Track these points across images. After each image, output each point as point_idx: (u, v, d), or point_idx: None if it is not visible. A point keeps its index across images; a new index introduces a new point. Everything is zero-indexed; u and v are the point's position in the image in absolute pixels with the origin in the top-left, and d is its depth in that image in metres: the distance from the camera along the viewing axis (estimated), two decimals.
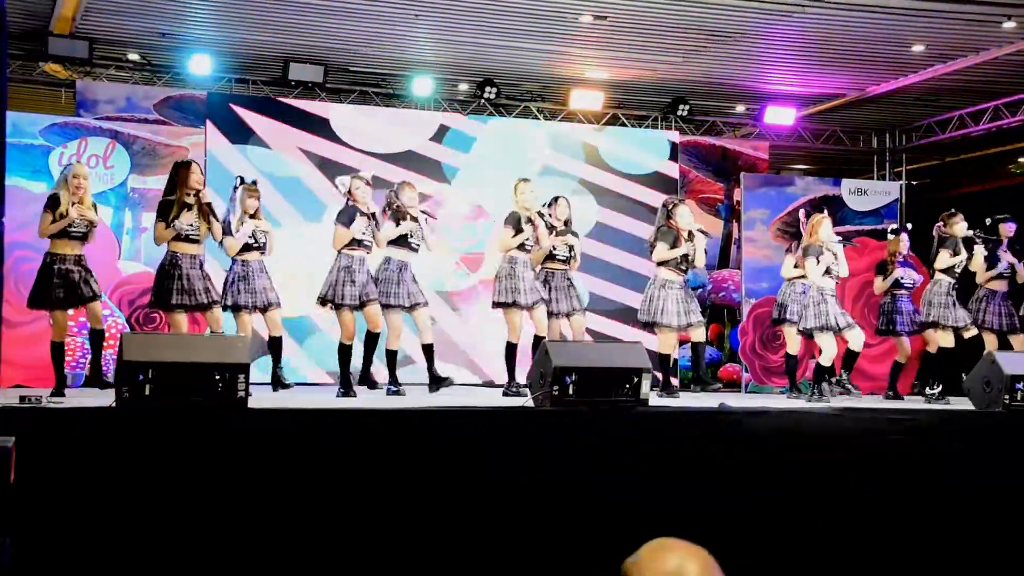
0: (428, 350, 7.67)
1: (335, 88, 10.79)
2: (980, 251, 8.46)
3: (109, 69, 10.19)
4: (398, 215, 7.53)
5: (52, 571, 4.49)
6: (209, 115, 9.89)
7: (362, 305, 7.30)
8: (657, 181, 11.02)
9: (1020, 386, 6.44)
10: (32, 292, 6.80)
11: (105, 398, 5.44)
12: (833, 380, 8.12)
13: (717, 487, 5.57)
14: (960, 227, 8.49)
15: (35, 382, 8.05)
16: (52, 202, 6.80)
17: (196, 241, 7.17)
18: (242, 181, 7.64)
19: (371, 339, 7.47)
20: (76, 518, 4.58)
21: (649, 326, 8.05)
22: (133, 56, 10.18)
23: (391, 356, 7.59)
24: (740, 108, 12.01)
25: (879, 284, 9.05)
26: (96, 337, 7.04)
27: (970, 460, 6.04)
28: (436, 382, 7.60)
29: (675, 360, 8.32)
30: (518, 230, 7.80)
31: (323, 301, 7.34)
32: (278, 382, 7.55)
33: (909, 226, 9.36)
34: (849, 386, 8.07)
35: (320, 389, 8.83)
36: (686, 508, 5.46)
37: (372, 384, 7.47)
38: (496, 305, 7.85)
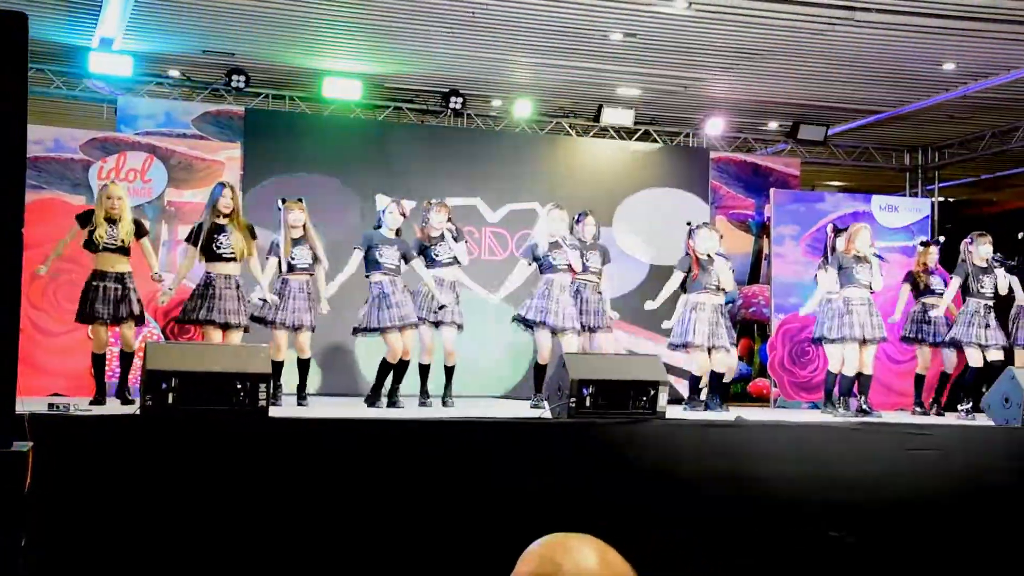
0: (448, 371, 7.88)
1: (370, 104, 10.97)
2: (1001, 274, 8.46)
3: (150, 85, 10.45)
4: (421, 241, 7.79)
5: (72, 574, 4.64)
6: (246, 130, 10.10)
7: (403, 328, 7.46)
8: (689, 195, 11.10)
9: None
10: (78, 308, 7.06)
11: (132, 407, 5.62)
12: (854, 403, 8.15)
13: (727, 496, 5.63)
14: (984, 249, 8.52)
15: (72, 391, 8.27)
16: (83, 218, 7.10)
17: (231, 260, 7.26)
18: (283, 200, 7.79)
19: (402, 363, 7.61)
20: (98, 523, 4.73)
21: (682, 348, 8.13)
22: (173, 72, 10.43)
23: (423, 370, 7.81)
24: (772, 125, 12.05)
25: (904, 294, 9.06)
26: (125, 359, 7.26)
27: (985, 474, 6.05)
28: (444, 397, 7.87)
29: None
30: (536, 259, 7.99)
31: (361, 331, 7.54)
32: (302, 399, 7.72)
33: (941, 238, 9.35)
34: (867, 408, 8.08)
35: (345, 400, 8.98)
36: (696, 516, 5.53)
37: (394, 403, 7.58)
38: (521, 320, 7.97)
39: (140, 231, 7.25)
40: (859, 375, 8.15)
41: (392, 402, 7.50)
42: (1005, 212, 13.91)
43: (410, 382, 7.81)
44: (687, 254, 8.20)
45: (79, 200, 8.97)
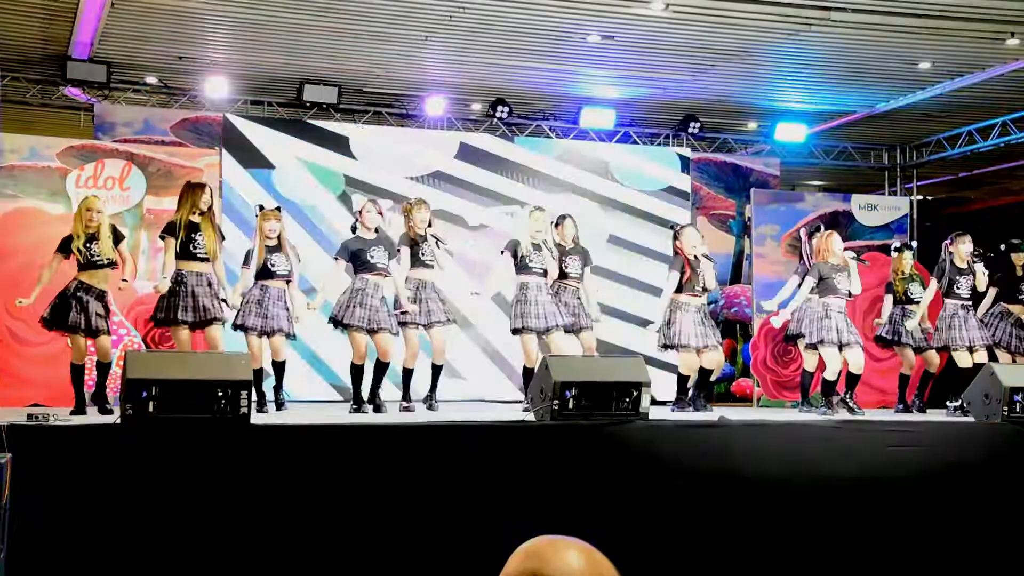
0: (435, 370, 7.83)
1: (349, 109, 10.95)
2: (980, 270, 8.49)
3: (127, 92, 10.39)
4: (409, 236, 7.72)
5: None
6: (224, 137, 10.07)
7: (372, 332, 7.42)
8: (670, 195, 11.13)
9: (1019, 398, 6.47)
10: (49, 313, 6.99)
11: (112, 416, 5.58)
12: (836, 399, 8.19)
13: (711, 496, 5.64)
14: (965, 248, 8.56)
15: (52, 401, 8.19)
16: (64, 247, 7.11)
17: (204, 259, 7.27)
18: (261, 208, 7.76)
19: (380, 366, 7.59)
20: (79, 533, 4.70)
21: (670, 349, 8.16)
22: (150, 79, 10.38)
23: (406, 374, 7.76)
24: (752, 125, 12.08)
25: (888, 303, 9.09)
26: (101, 369, 7.23)
27: (966, 470, 6.09)
28: (428, 399, 7.86)
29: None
30: (515, 255, 7.95)
31: (333, 321, 7.49)
32: (279, 404, 7.68)
33: (914, 244, 9.39)
34: (852, 405, 8.14)
35: (328, 406, 8.96)
36: (681, 518, 5.54)
37: (378, 408, 7.55)
38: (512, 331, 7.99)
39: (117, 238, 7.25)
40: (848, 375, 8.17)
41: (375, 406, 7.48)
42: (983, 210, 14.00)
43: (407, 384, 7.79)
44: (676, 255, 8.19)
45: (57, 209, 8.91)
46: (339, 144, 10.36)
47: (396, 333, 7.53)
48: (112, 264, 7.14)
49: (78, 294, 6.98)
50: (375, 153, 10.40)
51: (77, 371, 7.14)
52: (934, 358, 8.94)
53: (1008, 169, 12.95)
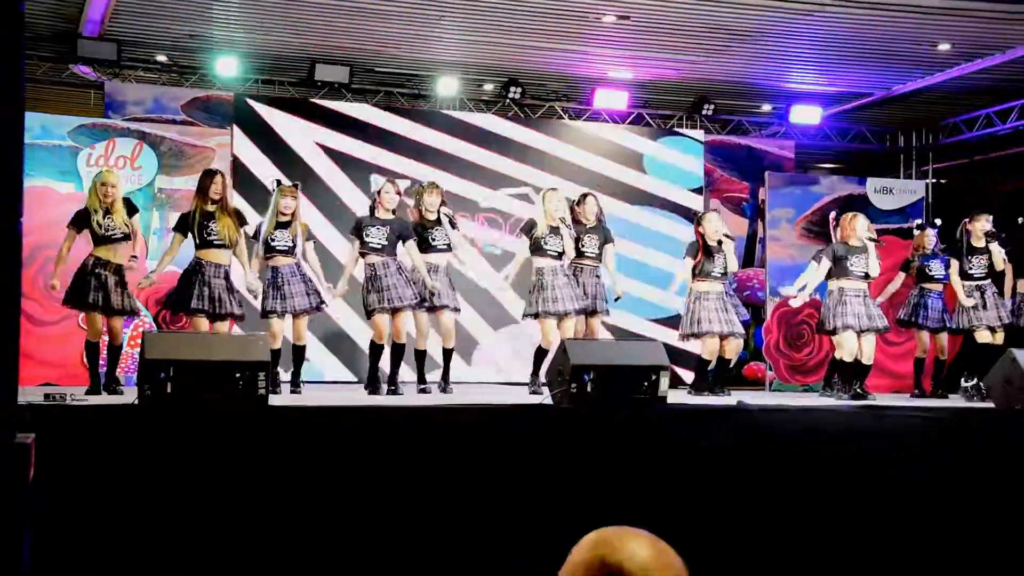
0: (446, 355, 7.81)
1: (360, 89, 10.86)
2: (996, 249, 8.40)
3: (137, 71, 10.32)
4: (420, 222, 7.71)
5: (74, 565, 4.57)
6: (236, 116, 10.00)
7: (394, 311, 7.40)
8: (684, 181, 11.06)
9: None
10: (68, 291, 6.94)
11: (128, 397, 5.54)
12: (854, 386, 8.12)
13: (731, 481, 5.59)
14: (980, 227, 8.48)
15: (65, 380, 8.18)
16: (77, 222, 7.02)
17: (221, 246, 7.17)
18: (279, 184, 7.68)
19: (395, 348, 7.56)
20: (97, 513, 4.66)
21: (693, 338, 8.08)
22: (161, 58, 10.30)
23: (419, 356, 7.73)
24: (766, 107, 11.98)
25: (897, 280, 9.03)
26: (112, 351, 7.14)
27: (989, 457, 6.03)
28: (442, 383, 7.81)
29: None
30: (530, 237, 7.89)
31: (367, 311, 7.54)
32: (295, 387, 7.62)
33: (938, 221, 9.29)
34: (861, 391, 8.03)
35: (346, 388, 8.93)
36: (699, 500, 5.48)
37: (394, 390, 7.49)
38: (525, 316, 7.94)
39: (131, 210, 7.16)
40: (857, 362, 8.11)
41: (391, 389, 7.44)
42: (999, 194, 13.89)
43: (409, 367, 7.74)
44: (695, 241, 8.14)
45: (68, 188, 8.86)
46: (353, 126, 10.28)
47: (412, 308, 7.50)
48: (127, 236, 7.04)
49: (96, 270, 6.89)
50: (388, 134, 10.31)
51: (92, 349, 7.07)
52: (944, 343, 8.87)
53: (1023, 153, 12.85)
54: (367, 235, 7.49)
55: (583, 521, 4.95)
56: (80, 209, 7.11)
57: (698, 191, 11.05)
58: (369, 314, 7.49)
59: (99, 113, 9.96)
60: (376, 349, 7.55)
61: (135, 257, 7.21)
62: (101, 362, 7.16)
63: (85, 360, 7.37)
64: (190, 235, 7.20)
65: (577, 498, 5.40)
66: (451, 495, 5.30)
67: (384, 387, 7.46)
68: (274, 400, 5.46)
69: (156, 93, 10.23)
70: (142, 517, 4.75)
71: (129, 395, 5.94)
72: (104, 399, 6.12)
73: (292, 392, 7.54)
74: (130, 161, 9.24)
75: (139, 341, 8.38)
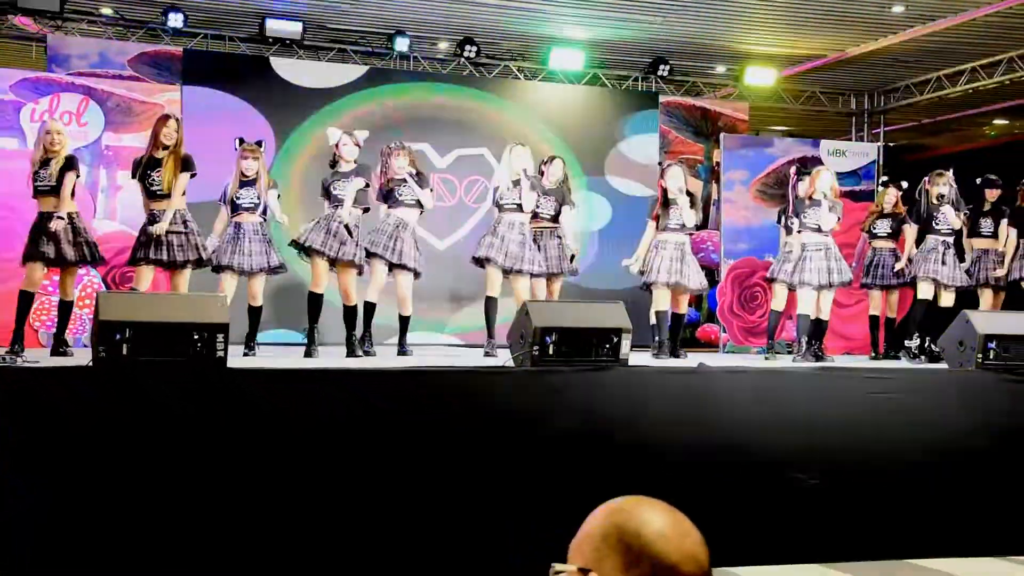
0: (403, 321, 7.69)
1: (313, 46, 10.67)
2: (948, 210, 8.44)
3: (81, 23, 10.02)
4: (385, 184, 7.59)
5: (30, 530, 4.47)
6: (185, 72, 9.76)
7: (333, 262, 7.24)
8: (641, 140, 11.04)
9: (992, 345, 6.44)
10: (25, 248, 6.69)
11: (80, 359, 5.39)
12: (807, 345, 8.14)
13: (691, 442, 5.61)
14: (937, 190, 8.47)
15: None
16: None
17: (162, 197, 6.91)
18: (241, 142, 7.48)
19: (348, 310, 7.40)
20: (51, 476, 4.55)
21: (646, 288, 8.03)
22: (106, 10, 10.01)
23: (368, 308, 7.55)
24: (720, 69, 11.97)
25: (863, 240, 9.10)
26: (63, 309, 6.88)
27: (941, 418, 6.10)
28: (400, 345, 7.69)
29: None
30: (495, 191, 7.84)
31: (296, 245, 7.33)
32: (249, 348, 7.40)
33: (904, 184, 9.30)
34: (819, 353, 8.08)
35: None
36: (659, 462, 5.49)
37: (352, 351, 7.36)
38: (474, 259, 7.85)
39: (68, 165, 6.78)
40: (816, 320, 8.15)
41: (365, 351, 7.32)
42: (943, 156, 14.05)
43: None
44: (655, 196, 8.08)
45: (11, 144, 8.59)
46: (304, 82, 10.10)
47: (360, 268, 7.35)
48: (56, 190, 6.65)
49: (46, 223, 6.61)
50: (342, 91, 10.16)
51: (26, 299, 6.71)
52: (895, 302, 8.96)
53: (971, 116, 13.00)
54: (334, 188, 7.36)
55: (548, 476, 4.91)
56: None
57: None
58: (308, 251, 7.28)
59: (42, 67, 9.66)
60: (314, 299, 7.33)
61: (61, 217, 6.66)
62: (49, 321, 6.91)
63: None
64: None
65: (540, 459, 5.38)
66: (412, 458, 5.25)
67: (316, 348, 7.35)
68: (233, 362, 5.33)
69: (102, 47, 9.94)
70: (96, 481, 4.64)
71: (79, 357, 5.80)
72: (58, 361, 5.94)
73: (245, 355, 7.34)
74: (76, 117, 8.97)
75: (87, 303, 8.26)
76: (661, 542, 1.47)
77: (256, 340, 7.52)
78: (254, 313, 7.48)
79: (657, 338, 7.98)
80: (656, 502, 1.53)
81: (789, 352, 8.68)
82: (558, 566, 1.54)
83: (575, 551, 1.54)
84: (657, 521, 1.49)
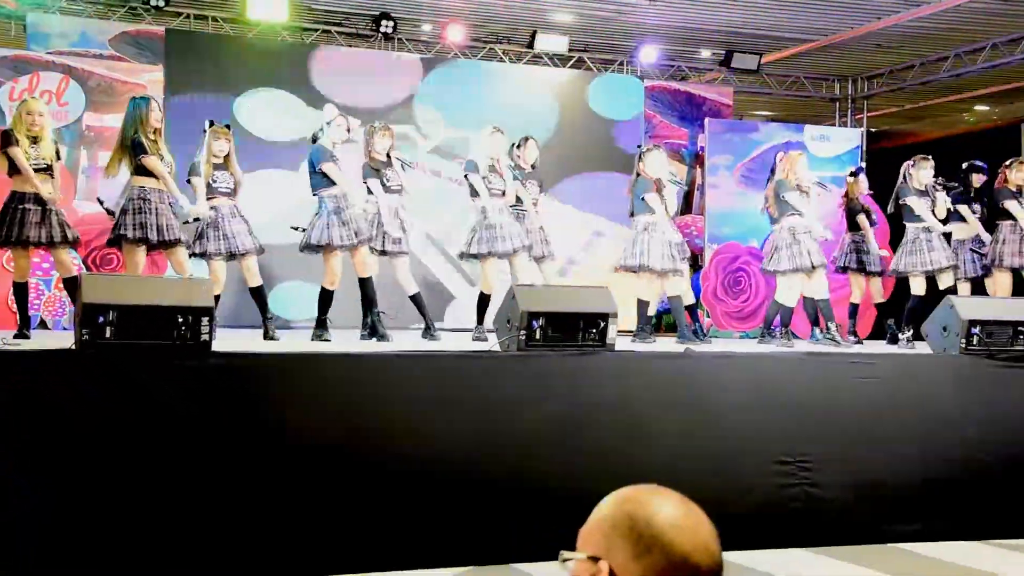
0: (417, 301, 7.61)
1: (298, 26, 10.58)
2: (941, 198, 8.38)
3: (61, 2, 9.89)
4: (371, 163, 7.49)
5: (11, 513, 4.43)
6: (167, 52, 9.66)
7: (353, 248, 7.19)
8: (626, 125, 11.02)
9: (976, 330, 6.45)
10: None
11: (64, 340, 5.33)
12: (779, 332, 8.13)
13: (678, 427, 5.61)
14: (925, 173, 8.37)
15: None
16: (4, 140, 6.56)
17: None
18: (211, 124, 7.38)
19: (362, 283, 7.33)
20: (34, 458, 4.51)
21: (632, 270, 7.90)
22: None
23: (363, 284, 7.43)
24: (705, 53, 11.94)
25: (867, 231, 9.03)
26: (69, 285, 6.71)
27: (926, 402, 6.13)
28: (427, 332, 7.60)
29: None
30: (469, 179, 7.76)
31: (303, 248, 7.25)
32: (267, 333, 7.24)
33: (863, 165, 9.30)
34: (836, 336, 7.92)
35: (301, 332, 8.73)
36: (647, 446, 5.49)
37: (382, 336, 7.30)
38: (468, 256, 7.74)
39: (57, 153, 6.76)
40: (818, 302, 8.09)
41: (380, 335, 7.23)
42: (923, 143, 14.09)
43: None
44: (638, 176, 7.98)
45: None
46: (294, 65, 10.02)
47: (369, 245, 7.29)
48: (51, 170, 6.59)
49: (14, 206, 6.48)
50: (332, 75, 10.07)
51: (20, 290, 6.71)
52: (879, 287, 8.97)
53: (953, 103, 13.03)
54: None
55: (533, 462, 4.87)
56: (4, 131, 6.65)
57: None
58: (326, 249, 7.18)
59: (21, 46, 9.54)
60: (327, 295, 7.24)
61: (51, 193, 6.63)
62: (37, 306, 6.86)
63: (13, 302, 6.98)
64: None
65: (528, 445, 5.37)
66: (399, 442, 5.23)
67: (330, 333, 7.27)
68: (217, 346, 5.28)
69: (83, 26, 9.82)
70: (79, 465, 4.60)
71: (61, 339, 5.73)
72: (39, 343, 5.87)
73: (266, 339, 7.15)
74: (56, 96, 8.87)
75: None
76: (673, 532, 1.46)
77: (270, 316, 7.40)
78: (258, 293, 7.35)
79: (641, 323, 7.99)
80: (668, 491, 1.52)
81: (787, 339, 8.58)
82: (567, 554, 1.52)
83: (585, 539, 1.52)
84: (669, 511, 1.48)
